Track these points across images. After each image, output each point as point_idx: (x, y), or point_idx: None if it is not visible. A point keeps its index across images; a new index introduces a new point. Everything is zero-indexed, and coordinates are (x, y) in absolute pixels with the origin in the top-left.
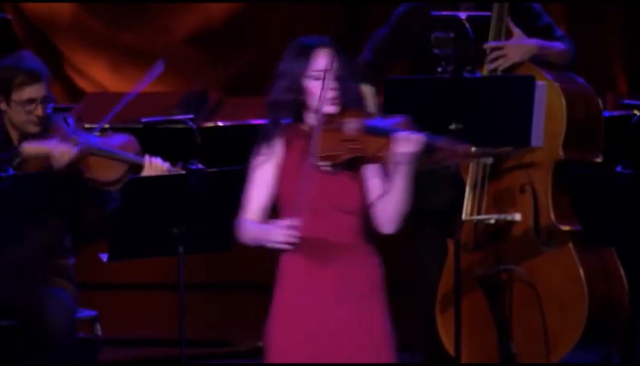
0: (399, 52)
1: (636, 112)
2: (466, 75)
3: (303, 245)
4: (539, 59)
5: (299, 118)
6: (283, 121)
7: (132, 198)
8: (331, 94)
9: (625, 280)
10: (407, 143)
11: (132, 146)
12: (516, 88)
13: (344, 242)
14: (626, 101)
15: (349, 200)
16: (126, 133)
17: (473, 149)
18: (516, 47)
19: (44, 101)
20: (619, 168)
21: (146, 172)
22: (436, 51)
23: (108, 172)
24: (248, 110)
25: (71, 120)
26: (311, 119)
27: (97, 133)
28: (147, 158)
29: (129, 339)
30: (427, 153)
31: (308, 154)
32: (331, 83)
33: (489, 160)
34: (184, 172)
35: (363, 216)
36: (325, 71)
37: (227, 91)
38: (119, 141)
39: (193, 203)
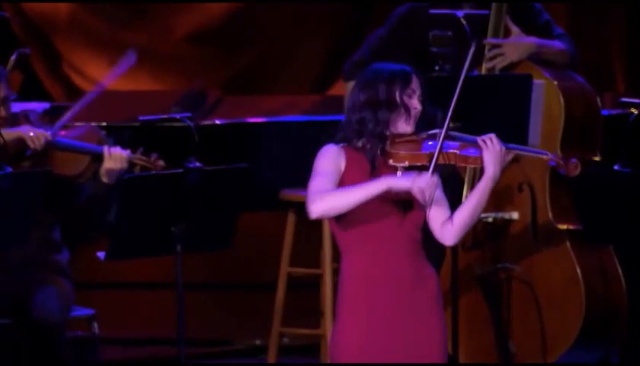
0: (397, 53)
1: (633, 110)
2: None
3: (369, 251)
4: (537, 58)
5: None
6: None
7: (130, 197)
8: (417, 112)
9: (622, 279)
10: (492, 143)
11: (93, 135)
12: (513, 87)
13: (409, 253)
14: (624, 99)
15: (415, 212)
16: (87, 124)
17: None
18: (514, 46)
19: (5, 101)
20: (617, 167)
21: (107, 162)
22: (434, 49)
23: (72, 165)
24: (246, 109)
25: (33, 117)
26: (388, 133)
27: (59, 128)
28: (106, 148)
29: (128, 338)
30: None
31: (373, 168)
32: (418, 103)
33: None
34: (146, 158)
35: (422, 230)
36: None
37: (227, 90)
38: (79, 132)
39: (191, 202)
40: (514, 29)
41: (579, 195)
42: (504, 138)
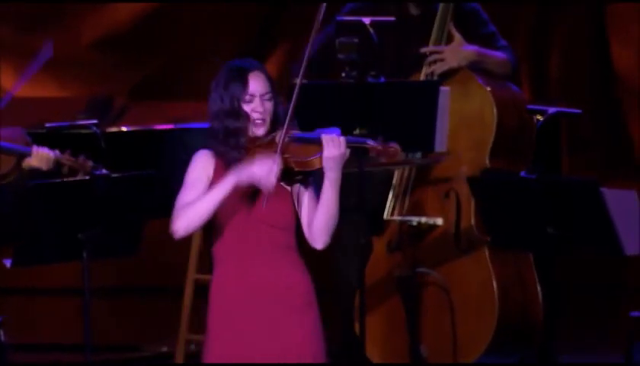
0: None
1: (539, 117)
2: (370, 80)
3: (236, 260)
4: (477, 67)
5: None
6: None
7: (36, 204)
8: (258, 116)
9: (538, 286)
10: (334, 144)
11: (19, 137)
12: (419, 94)
13: (275, 257)
14: (531, 107)
15: (281, 216)
16: (13, 127)
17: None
18: (454, 52)
19: None
20: (523, 173)
21: (34, 162)
22: (340, 56)
23: None
24: (153, 116)
25: None
26: (243, 141)
27: None
28: (34, 148)
29: (34, 344)
30: (357, 156)
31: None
32: (260, 106)
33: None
34: (74, 159)
35: (295, 232)
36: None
37: (133, 96)
38: (5, 134)
39: (97, 209)
40: (457, 35)
41: (485, 201)
42: (411, 144)
